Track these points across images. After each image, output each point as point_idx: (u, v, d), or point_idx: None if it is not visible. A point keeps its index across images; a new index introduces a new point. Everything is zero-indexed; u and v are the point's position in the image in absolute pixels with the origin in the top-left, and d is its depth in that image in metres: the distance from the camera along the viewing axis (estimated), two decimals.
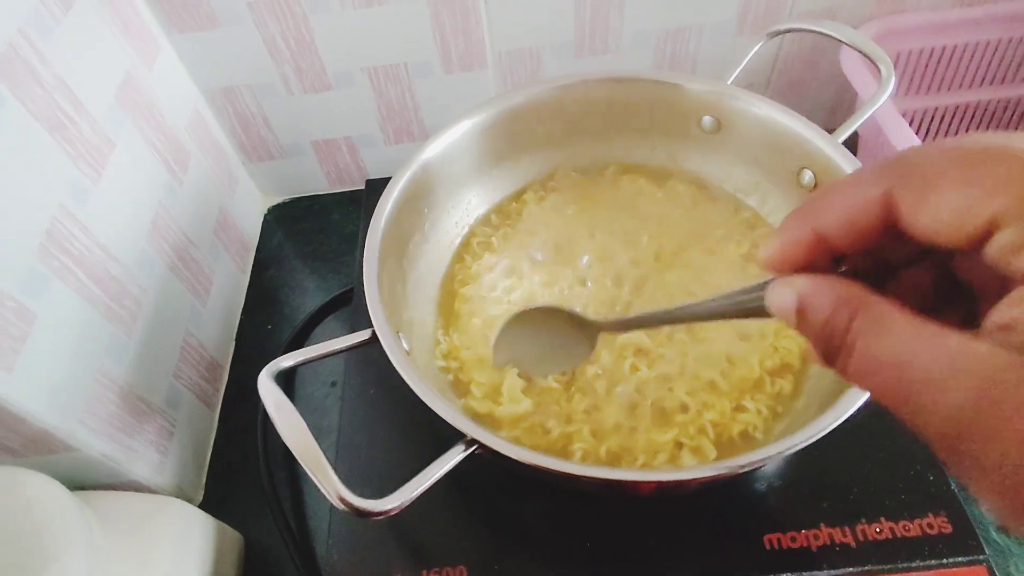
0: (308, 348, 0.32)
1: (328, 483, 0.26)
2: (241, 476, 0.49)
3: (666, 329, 0.38)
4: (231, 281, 0.58)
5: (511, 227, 0.46)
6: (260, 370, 0.52)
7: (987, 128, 0.60)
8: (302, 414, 0.50)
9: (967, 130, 0.60)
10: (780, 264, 0.19)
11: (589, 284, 0.41)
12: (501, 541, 0.36)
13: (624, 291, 0.41)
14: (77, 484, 0.38)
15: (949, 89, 0.58)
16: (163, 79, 0.51)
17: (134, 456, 0.41)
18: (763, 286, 0.20)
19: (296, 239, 0.63)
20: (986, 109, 0.59)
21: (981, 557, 0.33)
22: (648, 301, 0.40)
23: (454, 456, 0.28)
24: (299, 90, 0.57)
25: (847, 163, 0.37)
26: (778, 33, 0.43)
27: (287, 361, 0.31)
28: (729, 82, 0.43)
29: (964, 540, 0.34)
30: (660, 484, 0.30)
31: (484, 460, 0.32)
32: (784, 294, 0.19)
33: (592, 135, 0.47)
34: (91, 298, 0.39)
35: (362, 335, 0.33)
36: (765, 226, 0.44)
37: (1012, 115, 0.60)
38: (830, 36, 0.41)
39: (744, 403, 0.36)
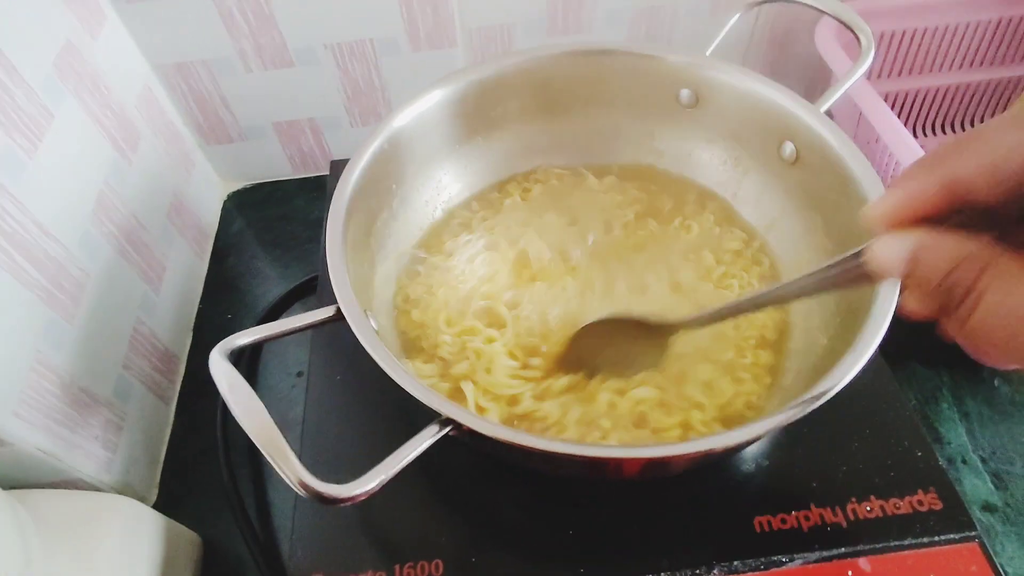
0: (266, 325, 0.30)
1: (288, 467, 0.23)
2: (199, 474, 0.46)
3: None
4: (187, 268, 0.54)
5: (491, 214, 0.44)
6: None
7: (965, 110, 0.60)
8: (267, 405, 0.48)
9: (943, 113, 0.60)
10: (895, 218, 0.19)
11: (567, 279, 0.40)
12: (479, 532, 0.34)
13: (598, 285, 0.40)
14: (11, 483, 0.35)
15: (921, 72, 0.58)
16: (109, 51, 0.48)
17: (77, 452, 0.38)
18: (853, 256, 0.21)
19: (258, 226, 0.60)
20: (964, 91, 0.59)
21: (973, 534, 0.32)
22: (621, 294, 0.39)
23: (427, 437, 0.26)
24: (258, 67, 0.54)
25: (831, 134, 0.36)
26: (757, 3, 0.42)
27: (243, 338, 0.28)
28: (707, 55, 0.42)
29: (955, 517, 0.33)
30: (648, 461, 0.28)
31: (459, 446, 0.30)
32: (895, 247, 0.18)
33: (567, 111, 0.45)
34: (25, 279, 0.36)
35: (326, 311, 0.31)
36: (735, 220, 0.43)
37: (990, 97, 0.60)
38: (810, 6, 0.40)
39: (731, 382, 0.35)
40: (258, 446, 0.24)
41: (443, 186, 0.44)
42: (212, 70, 0.54)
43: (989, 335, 0.17)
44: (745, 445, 0.33)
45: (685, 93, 0.42)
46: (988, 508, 0.41)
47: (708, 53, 0.42)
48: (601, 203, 0.44)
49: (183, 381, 0.51)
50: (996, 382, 0.46)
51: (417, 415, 0.38)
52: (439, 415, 0.27)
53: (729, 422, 0.34)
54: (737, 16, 0.42)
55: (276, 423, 0.47)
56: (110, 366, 0.43)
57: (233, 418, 0.46)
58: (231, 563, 0.42)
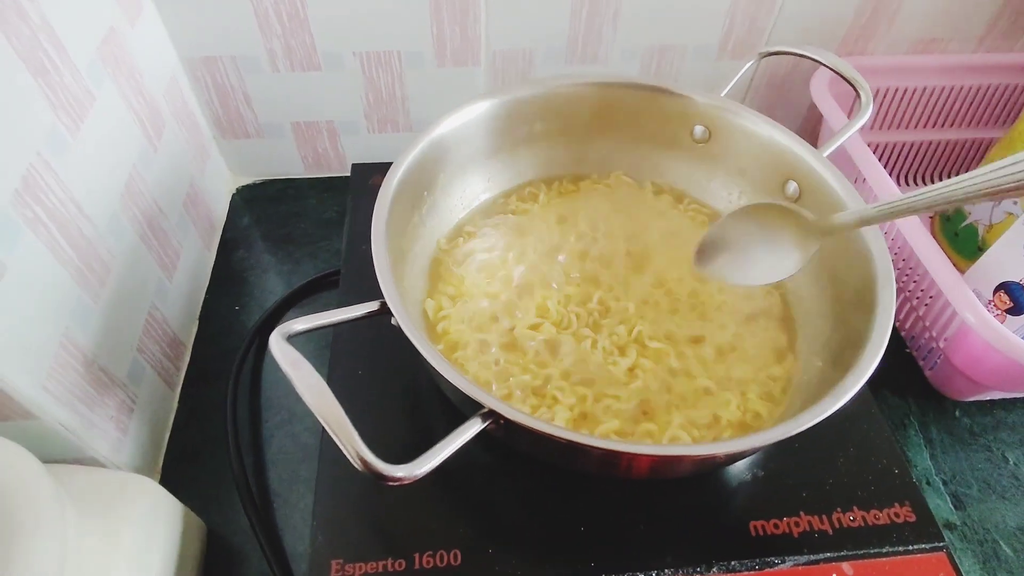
0: (317, 315, 0.31)
1: (352, 445, 0.25)
2: (201, 461, 0.46)
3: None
4: (197, 258, 0.55)
5: (506, 219, 0.46)
6: (224, 352, 0.51)
7: (936, 164, 0.66)
8: (277, 396, 0.49)
9: (917, 165, 0.66)
10: None
11: (573, 276, 0.43)
12: (496, 525, 0.36)
13: (600, 290, 0.42)
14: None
15: (899, 127, 0.64)
16: (143, 40, 0.48)
17: (94, 431, 0.38)
18: None
19: (269, 222, 0.61)
20: (938, 147, 0.65)
21: (941, 544, 0.36)
22: (621, 297, 0.42)
23: (471, 428, 0.28)
24: (286, 68, 0.56)
25: (832, 177, 0.40)
26: (769, 54, 0.46)
27: (299, 324, 0.30)
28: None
29: (926, 529, 0.36)
30: (685, 459, 0.31)
31: (481, 442, 0.31)
32: None
33: (586, 136, 0.48)
34: (62, 257, 0.36)
35: (370, 306, 0.32)
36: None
37: (960, 155, 0.66)
38: (816, 60, 0.44)
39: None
40: (323, 423, 0.26)
41: (468, 197, 0.47)
42: (239, 66, 0.55)
43: None
44: (747, 454, 0.36)
45: (699, 129, 0.46)
46: (948, 526, 0.44)
47: (723, 94, 0.45)
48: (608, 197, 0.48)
49: (187, 369, 0.51)
50: (957, 413, 0.50)
51: (441, 408, 0.40)
52: (483, 408, 0.29)
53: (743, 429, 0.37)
54: (752, 63, 0.46)
55: (284, 414, 0.48)
56: (126, 348, 0.43)
57: (240, 409, 0.47)
58: (232, 552, 0.42)
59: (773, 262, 0.35)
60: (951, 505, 0.45)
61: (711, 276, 0.38)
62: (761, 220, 0.35)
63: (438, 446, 0.27)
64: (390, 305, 0.32)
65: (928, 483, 0.47)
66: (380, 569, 0.34)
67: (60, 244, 0.36)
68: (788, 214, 0.34)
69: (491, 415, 0.28)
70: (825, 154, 0.42)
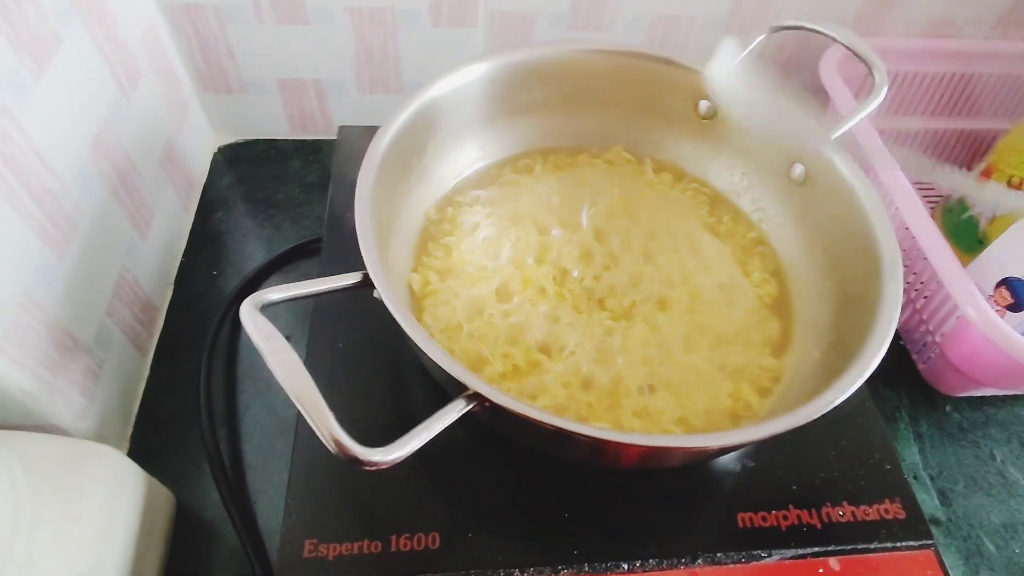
0: (293, 284, 0.29)
1: (324, 426, 0.23)
2: (172, 432, 0.44)
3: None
4: (174, 219, 0.52)
5: (499, 191, 0.44)
6: (200, 318, 0.48)
7: (944, 153, 0.65)
8: (254, 367, 0.47)
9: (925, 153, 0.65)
10: None
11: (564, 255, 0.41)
12: (477, 508, 0.34)
13: (593, 268, 0.41)
14: None
15: (907, 114, 0.62)
16: None
17: (56, 396, 0.36)
18: None
19: (250, 183, 0.58)
20: (943, 137, 0.63)
21: (929, 542, 0.35)
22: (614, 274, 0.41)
23: (455, 410, 0.26)
24: (272, 19, 0.52)
25: (842, 160, 0.38)
26: (780, 28, 0.43)
27: (274, 294, 0.28)
28: None
29: (915, 526, 0.35)
30: (649, 450, 0.30)
31: (463, 424, 0.30)
32: None
33: (587, 105, 0.46)
34: (21, 210, 0.34)
35: (352, 277, 0.31)
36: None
37: (966, 144, 0.64)
38: (830, 36, 0.42)
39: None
40: (294, 401, 0.24)
41: (460, 166, 0.44)
42: (222, 16, 0.52)
43: None
44: (744, 446, 0.35)
45: (704, 105, 0.44)
46: (934, 522, 0.44)
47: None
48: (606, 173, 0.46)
49: (160, 335, 0.49)
50: (948, 408, 0.50)
51: (424, 387, 0.38)
52: (467, 390, 0.27)
53: (734, 418, 0.36)
54: (762, 36, 0.43)
55: (261, 386, 0.47)
56: (93, 311, 0.41)
57: (214, 379, 0.46)
58: (203, 525, 0.41)
59: None
60: (937, 500, 0.45)
61: None
62: None
63: (417, 429, 0.25)
64: (373, 277, 0.30)
65: (915, 478, 0.46)
66: (355, 550, 0.32)
67: (19, 195, 0.34)
68: None
69: (476, 397, 0.27)
70: (834, 136, 0.40)
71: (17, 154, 0.34)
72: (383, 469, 0.25)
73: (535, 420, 0.27)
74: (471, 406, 0.27)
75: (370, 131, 0.37)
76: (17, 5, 0.34)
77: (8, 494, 0.26)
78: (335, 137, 0.51)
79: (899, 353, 0.52)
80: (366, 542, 0.33)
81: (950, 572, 0.40)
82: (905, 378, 0.51)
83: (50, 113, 0.36)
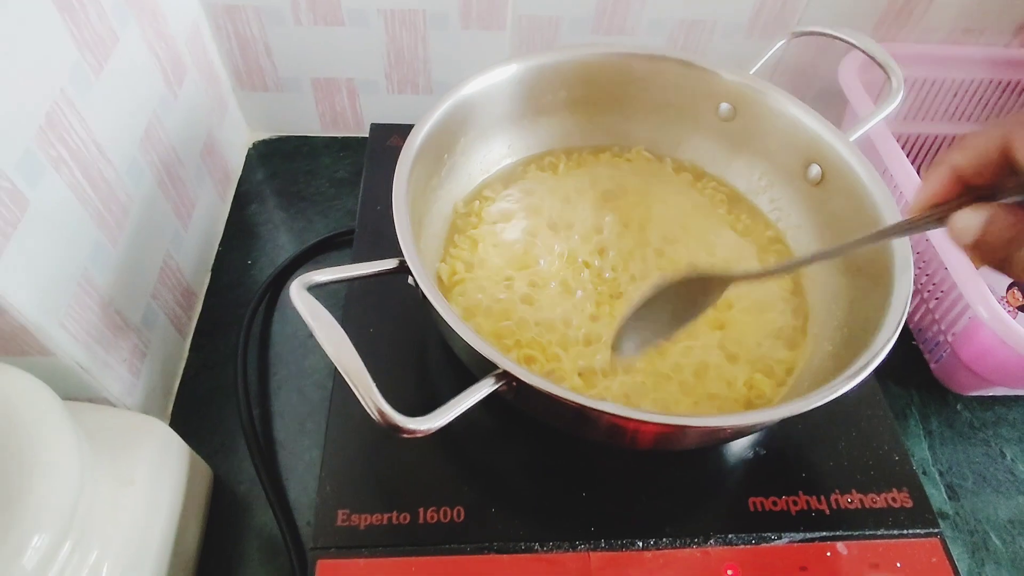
0: (337, 268, 0.31)
1: (370, 396, 0.25)
2: (209, 410, 0.47)
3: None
4: (212, 210, 0.55)
5: (524, 187, 0.46)
6: (235, 304, 0.51)
7: None
8: (286, 351, 0.49)
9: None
10: (931, 200, 0.26)
11: (581, 259, 0.43)
12: (500, 486, 0.36)
13: (615, 262, 0.42)
14: None
15: (926, 119, 0.63)
16: None
17: (108, 372, 0.39)
18: (921, 219, 0.27)
19: (283, 178, 0.61)
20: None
21: (936, 531, 0.36)
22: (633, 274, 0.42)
23: (486, 386, 0.28)
24: (309, 21, 0.55)
25: (857, 162, 0.39)
26: (802, 34, 0.45)
27: (320, 276, 0.30)
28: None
29: (922, 515, 0.37)
30: (668, 428, 0.31)
31: (490, 404, 0.32)
32: (972, 217, 0.25)
33: (610, 107, 0.48)
34: (83, 197, 0.36)
35: (390, 263, 0.33)
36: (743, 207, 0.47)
37: None
38: (849, 43, 0.43)
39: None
40: (342, 373, 0.26)
41: (488, 162, 0.46)
42: (262, 17, 0.54)
43: None
44: (754, 429, 0.36)
45: (725, 107, 0.45)
46: (941, 516, 0.45)
47: (751, 72, 0.45)
48: (627, 171, 0.47)
49: (199, 319, 0.51)
50: (958, 407, 0.51)
51: (452, 368, 0.40)
52: (496, 369, 0.29)
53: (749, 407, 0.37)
54: (783, 42, 0.45)
55: (292, 369, 0.49)
56: (141, 294, 0.43)
57: (250, 360, 0.48)
58: (238, 499, 0.43)
59: (681, 314, 0.35)
60: (945, 495, 0.46)
61: (629, 358, 0.37)
62: (668, 295, 0.34)
63: (451, 402, 0.27)
64: (409, 263, 0.32)
65: (924, 473, 0.47)
66: (385, 521, 0.34)
67: (81, 184, 0.36)
68: (692, 282, 0.34)
69: (504, 376, 0.29)
70: (851, 139, 0.41)
71: (80, 144, 0.36)
72: (418, 438, 0.27)
73: (559, 398, 0.29)
74: (500, 384, 0.29)
75: (401, 128, 0.39)
76: (81, 4, 0.36)
77: (76, 456, 0.28)
78: (364, 134, 0.54)
79: (911, 352, 0.53)
80: (395, 513, 0.35)
81: (957, 563, 0.41)
82: (917, 376, 0.52)
83: (108, 106, 0.39)
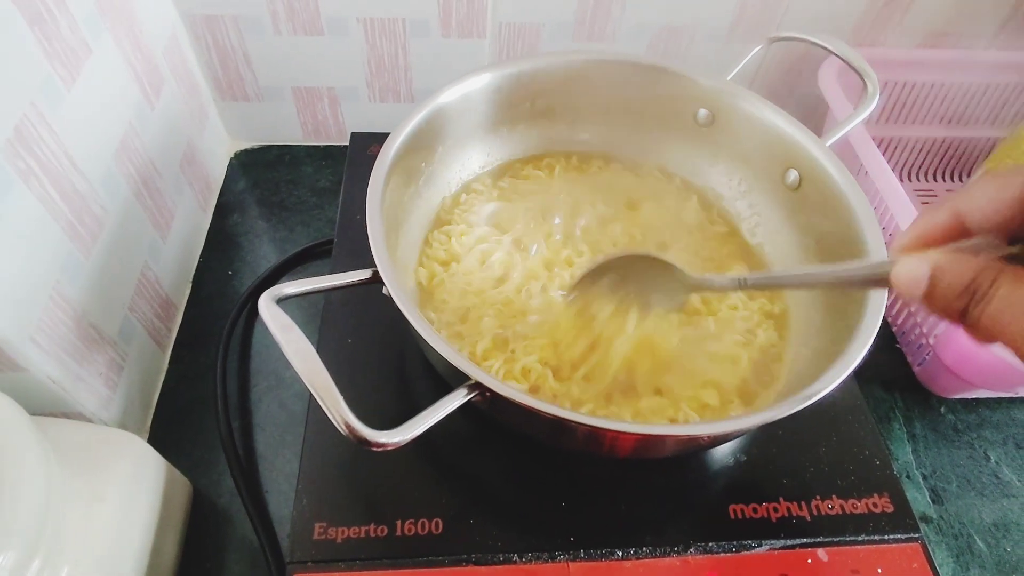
0: (308, 280, 0.31)
1: (336, 409, 0.25)
2: (189, 423, 0.46)
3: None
4: (192, 220, 0.55)
5: (501, 194, 0.46)
6: (216, 315, 0.51)
7: (942, 161, 0.66)
8: (266, 362, 0.49)
9: (919, 161, 0.66)
10: (913, 242, 0.23)
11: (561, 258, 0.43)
12: (478, 496, 0.36)
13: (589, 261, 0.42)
14: None
15: (906, 122, 0.63)
16: None
17: (82, 386, 0.38)
18: (873, 265, 0.25)
19: (264, 187, 0.61)
20: (939, 145, 0.64)
21: (916, 536, 0.36)
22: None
23: (457, 398, 0.28)
24: (288, 30, 0.55)
25: (833, 167, 0.39)
26: (779, 39, 0.45)
27: (289, 288, 0.30)
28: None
29: (903, 520, 0.37)
30: (644, 438, 0.31)
31: (465, 415, 0.31)
32: (916, 264, 0.22)
33: (589, 114, 0.48)
34: (53, 210, 0.36)
35: (362, 273, 0.32)
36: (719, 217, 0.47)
37: (963, 153, 0.65)
38: (825, 48, 0.43)
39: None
40: (309, 387, 0.26)
41: (466, 170, 0.46)
42: (240, 27, 0.54)
43: (1002, 330, 0.20)
44: (732, 436, 0.36)
45: (703, 113, 0.45)
46: (924, 519, 0.45)
47: (729, 78, 0.45)
48: (602, 184, 0.47)
49: (179, 331, 0.51)
50: (943, 410, 0.51)
51: (428, 377, 0.40)
52: (469, 379, 0.29)
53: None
54: (759, 48, 0.45)
55: (271, 379, 0.48)
56: (117, 306, 0.43)
57: (230, 371, 0.48)
58: (218, 511, 0.43)
59: (658, 296, 0.36)
60: (929, 499, 0.46)
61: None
62: (639, 267, 0.36)
63: (422, 414, 0.27)
64: (382, 273, 0.32)
65: (908, 476, 0.47)
66: (362, 534, 0.34)
67: (52, 197, 0.36)
68: (666, 267, 0.35)
69: (477, 387, 0.29)
70: (828, 143, 0.41)
71: (50, 157, 0.36)
72: (388, 450, 0.27)
73: (532, 408, 0.28)
74: (472, 395, 0.29)
75: (381, 137, 0.39)
76: (51, 16, 0.36)
77: (42, 473, 0.27)
78: (346, 143, 0.54)
79: (895, 355, 0.53)
80: (372, 526, 0.35)
81: (940, 569, 0.41)
82: (900, 380, 0.52)
83: (80, 118, 0.39)
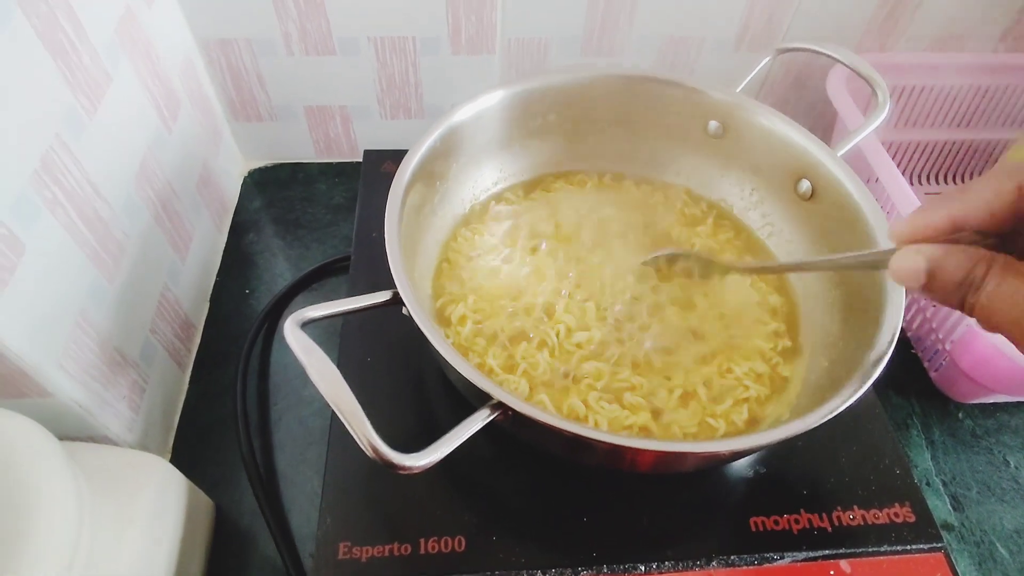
0: (330, 303, 0.31)
1: (363, 433, 0.25)
2: (210, 442, 0.47)
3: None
4: (209, 241, 0.55)
5: (515, 211, 0.46)
6: (234, 335, 0.51)
7: (951, 164, 0.66)
8: (285, 380, 0.49)
9: (929, 165, 0.66)
10: (910, 236, 0.24)
11: (570, 278, 0.43)
12: (500, 514, 0.36)
13: (608, 286, 0.43)
14: None
15: (915, 126, 0.63)
16: (160, 21, 0.48)
17: (107, 409, 0.39)
18: (879, 253, 0.27)
19: (279, 206, 0.61)
20: (950, 147, 0.64)
21: (939, 545, 0.36)
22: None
23: (480, 418, 0.28)
24: (300, 51, 0.55)
25: (846, 176, 0.40)
26: (786, 51, 0.45)
27: (313, 312, 0.30)
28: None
29: (925, 529, 0.37)
30: (664, 454, 0.31)
31: (488, 433, 0.32)
32: (913, 259, 0.23)
33: (601, 128, 0.48)
34: (78, 237, 0.37)
35: (383, 295, 0.33)
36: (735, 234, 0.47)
37: (972, 155, 0.65)
38: (833, 58, 0.44)
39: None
40: (336, 411, 0.26)
41: (480, 187, 0.47)
42: (254, 49, 0.55)
43: (997, 320, 0.21)
44: (753, 451, 0.36)
45: (714, 124, 0.46)
46: (946, 527, 0.45)
47: (738, 90, 0.45)
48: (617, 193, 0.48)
49: (198, 351, 0.51)
50: (961, 415, 0.50)
51: (449, 397, 0.40)
52: (491, 399, 0.29)
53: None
54: (768, 59, 0.45)
55: (292, 398, 0.49)
56: (139, 329, 0.43)
57: (249, 390, 0.48)
58: (240, 531, 0.43)
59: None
60: (950, 506, 0.46)
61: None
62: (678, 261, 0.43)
63: (447, 436, 0.27)
64: (402, 296, 0.32)
65: (928, 484, 0.47)
66: (386, 553, 0.34)
67: (77, 225, 0.37)
68: (699, 258, 0.42)
69: (499, 407, 0.29)
70: (840, 153, 0.42)
71: (75, 185, 0.36)
72: (414, 473, 0.27)
73: (555, 427, 0.29)
74: (495, 415, 0.29)
75: (394, 154, 0.39)
76: (73, 48, 0.37)
77: (74, 498, 0.28)
78: (359, 160, 0.54)
79: (911, 361, 0.53)
80: (396, 545, 0.35)
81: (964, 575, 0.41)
82: (917, 386, 0.52)
83: (102, 146, 0.39)
